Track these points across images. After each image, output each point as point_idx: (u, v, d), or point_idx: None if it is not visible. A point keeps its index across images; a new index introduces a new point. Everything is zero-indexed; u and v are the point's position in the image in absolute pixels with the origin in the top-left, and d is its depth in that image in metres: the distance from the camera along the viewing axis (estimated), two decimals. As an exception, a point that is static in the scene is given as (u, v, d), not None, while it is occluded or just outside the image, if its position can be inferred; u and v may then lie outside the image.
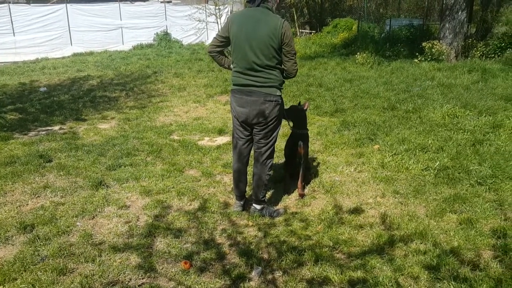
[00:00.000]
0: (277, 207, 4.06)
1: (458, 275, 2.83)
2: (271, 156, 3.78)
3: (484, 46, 11.04)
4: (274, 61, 3.45)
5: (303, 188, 4.29)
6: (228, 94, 8.70)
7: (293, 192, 4.33)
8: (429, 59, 10.82)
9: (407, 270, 2.92)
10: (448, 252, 3.09)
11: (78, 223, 3.71)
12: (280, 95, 3.58)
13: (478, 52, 10.93)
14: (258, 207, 3.86)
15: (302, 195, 4.20)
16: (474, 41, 11.48)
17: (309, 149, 4.47)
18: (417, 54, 11.17)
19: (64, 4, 16.93)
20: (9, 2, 16.63)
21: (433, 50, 10.86)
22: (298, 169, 4.24)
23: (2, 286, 2.84)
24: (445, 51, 10.87)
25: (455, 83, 8.33)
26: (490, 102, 6.72)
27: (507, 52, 10.52)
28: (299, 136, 4.20)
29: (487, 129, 5.63)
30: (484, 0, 13.88)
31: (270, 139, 3.70)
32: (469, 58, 10.91)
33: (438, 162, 4.69)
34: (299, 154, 4.19)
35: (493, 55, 10.74)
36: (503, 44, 10.80)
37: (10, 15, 15.78)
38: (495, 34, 12.66)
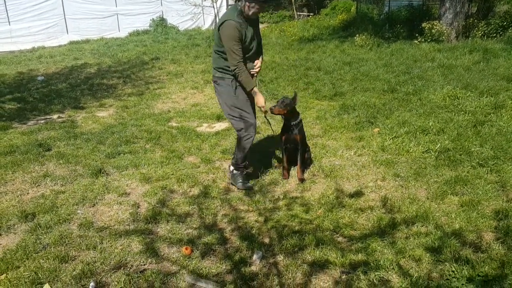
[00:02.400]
0: (277, 192, 4.05)
1: (460, 257, 2.83)
2: (235, 128, 4.05)
3: (485, 26, 10.86)
4: (216, 48, 3.88)
5: (303, 172, 4.28)
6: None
7: (293, 177, 4.32)
8: (429, 40, 10.68)
9: (409, 252, 2.93)
10: (450, 234, 3.08)
11: (78, 211, 3.71)
12: (220, 77, 3.93)
13: (480, 32, 10.76)
14: (232, 168, 4.21)
15: (301, 180, 4.18)
16: (475, 20, 11.28)
17: (308, 133, 4.44)
18: (417, 35, 11.02)
19: (59, -9, 16.71)
20: (3, -10, 16.40)
21: (433, 30, 10.71)
22: (296, 154, 4.22)
23: (5, 274, 2.86)
24: (445, 31, 10.72)
25: (455, 64, 8.24)
26: (492, 83, 6.65)
27: (509, 31, 10.33)
28: (292, 125, 4.17)
29: (489, 110, 5.58)
30: (485, -21, 13.64)
31: (226, 113, 4.08)
32: (470, 38, 10.75)
33: (439, 144, 4.67)
34: (296, 141, 4.17)
35: (494, 35, 10.58)
36: (505, 23, 10.61)
37: (5, 3, 15.57)
38: (497, 13, 12.46)
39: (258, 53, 4.02)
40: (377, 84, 7.41)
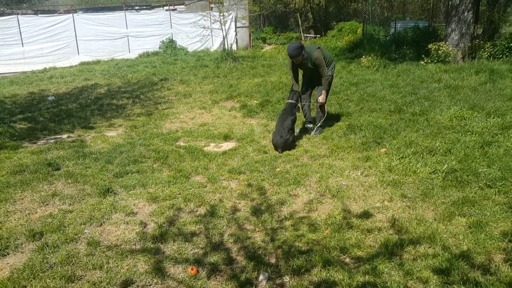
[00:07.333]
0: (284, 212, 4.04)
1: (468, 279, 2.79)
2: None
3: (491, 47, 10.92)
4: None
5: None
6: (233, 100, 8.80)
7: (299, 196, 4.31)
8: (435, 61, 10.74)
9: (416, 274, 2.90)
10: (458, 256, 3.05)
11: (86, 231, 3.73)
12: None
13: (486, 53, 10.81)
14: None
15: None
16: (481, 41, 11.36)
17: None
18: (423, 56, 11.10)
19: (71, 14, 17.14)
20: (17, 14, 16.87)
21: (439, 51, 10.78)
22: None
23: (11, 294, 2.87)
24: (451, 52, 10.78)
25: (462, 84, 8.27)
26: (499, 103, 6.65)
27: (516, 52, 10.39)
28: None
29: (496, 130, 5.57)
30: (491, 0, 13.76)
31: None
32: (476, 59, 10.80)
33: (446, 165, 4.65)
34: None
35: (501, 56, 10.62)
36: (511, 44, 10.68)
37: (19, 26, 16.01)
38: (503, 34, 12.54)
39: (313, 80, 6.44)
40: (383, 104, 7.44)
